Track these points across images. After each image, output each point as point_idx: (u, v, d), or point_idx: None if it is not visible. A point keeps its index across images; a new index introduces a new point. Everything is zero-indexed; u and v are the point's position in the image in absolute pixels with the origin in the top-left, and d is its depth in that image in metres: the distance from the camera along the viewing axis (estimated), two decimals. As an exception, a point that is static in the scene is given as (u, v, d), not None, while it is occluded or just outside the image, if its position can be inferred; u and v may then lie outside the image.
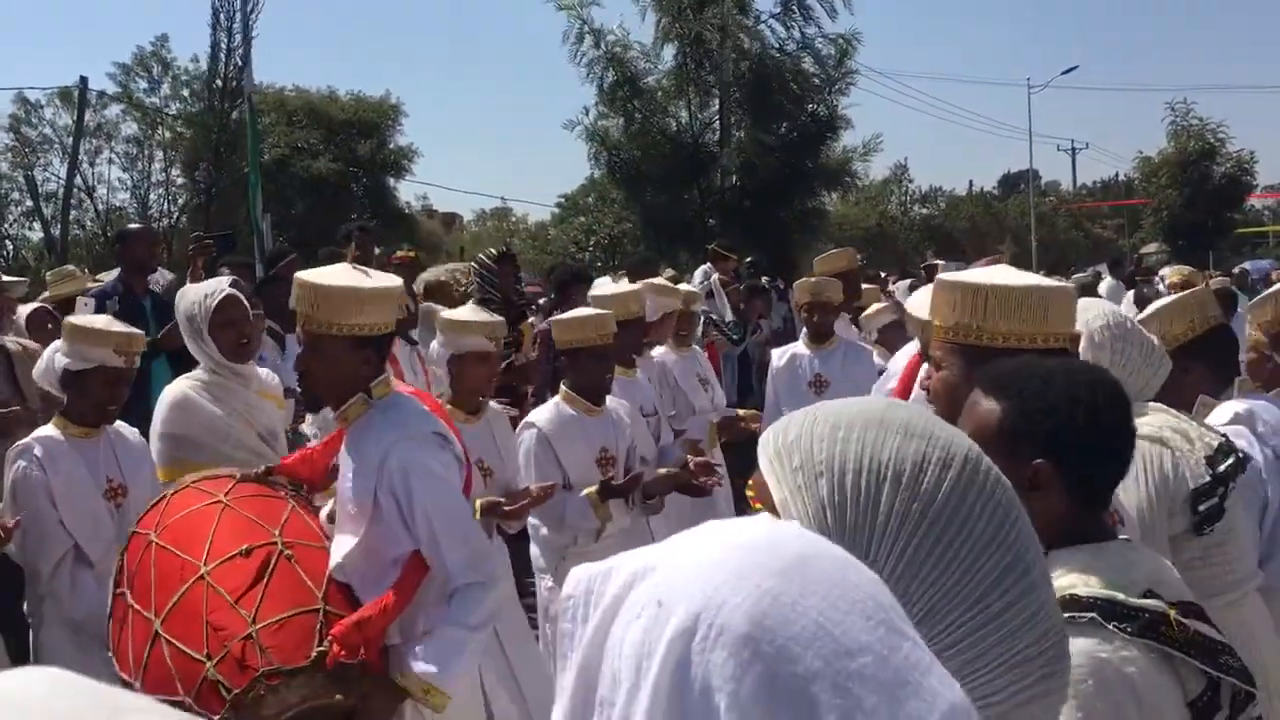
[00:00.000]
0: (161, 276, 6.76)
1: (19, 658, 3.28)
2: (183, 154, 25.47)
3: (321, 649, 2.55)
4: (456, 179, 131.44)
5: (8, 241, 29.08)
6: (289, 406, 4.63)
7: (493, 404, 4.39)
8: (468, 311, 4.45)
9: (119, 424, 3.72)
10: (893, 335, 6.41)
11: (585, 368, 4.35)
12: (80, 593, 3.39)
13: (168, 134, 27.48)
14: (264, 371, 4.14)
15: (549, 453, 4.23)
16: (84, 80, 23.74)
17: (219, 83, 21.24)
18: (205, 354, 3.83)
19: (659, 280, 6.15)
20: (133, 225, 7.01)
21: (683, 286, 6.90)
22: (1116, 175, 56.48)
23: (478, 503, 3.88)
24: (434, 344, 4.35)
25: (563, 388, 4.47)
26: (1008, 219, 46.53)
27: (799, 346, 6.05)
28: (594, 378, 4.36)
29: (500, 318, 4.42)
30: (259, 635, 2.53)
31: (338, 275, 2.86)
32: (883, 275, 11.72)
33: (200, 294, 3.87)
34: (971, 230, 44.88)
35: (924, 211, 46.86)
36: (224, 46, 20.91)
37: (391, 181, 29.76)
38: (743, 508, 4.42)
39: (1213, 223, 33.91)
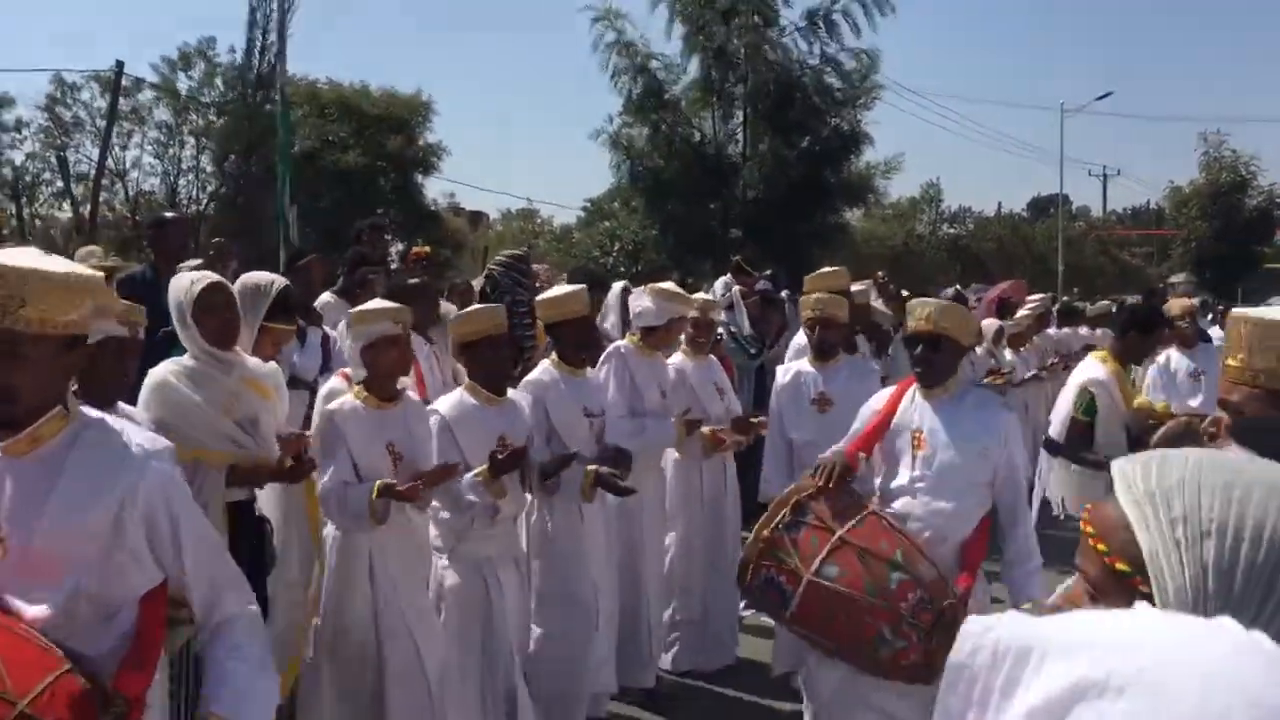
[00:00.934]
0: (190, 264, 6.81)
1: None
2: (213, 144, 25.66)
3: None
4: (484, 178, 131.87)
5: (38, 220, 29.34)
6: (303, 397, 4.66)
7: (410, 394, 4.55)
8: (373, 302, 4.64)
9: (127, 408, 3.75)
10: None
11: (483, 358, 4.59)
12: None
13: (200, 121, 27.68)
14: (253, 360, 4.21)
15: (449, 438, 4.45)
16: (120, 65, 23.95)
17: (253, 76, 21.45)
18: (190, 340, 3.98)
19: (666, 285, 6.16)
20: (168, 213, 7.06)
21: (700, 295, 6.90)
22: (1147, 203, 56.26)
23: (376, 484, 4.10)
24: (345, 342, 4.58)
25: (465, 378, 4.71)
26: (1035, 242, 46.31)
27: (803, 363, 6.02)
28: (491, 368, 4.62)
29: (404, 305, 4.57)
30: None
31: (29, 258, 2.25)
32: (903, 294, 11.69)
33: (187, 281, 4.02)
34: (999, 252, 44.68)
35: (952, 231, 46.70)
36: (259, 44, 21.13)
37: (419, 178, 29.86)
38: (751, 512, 4.51)
39: (1242, 256, 33.69)
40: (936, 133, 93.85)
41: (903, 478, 4.19)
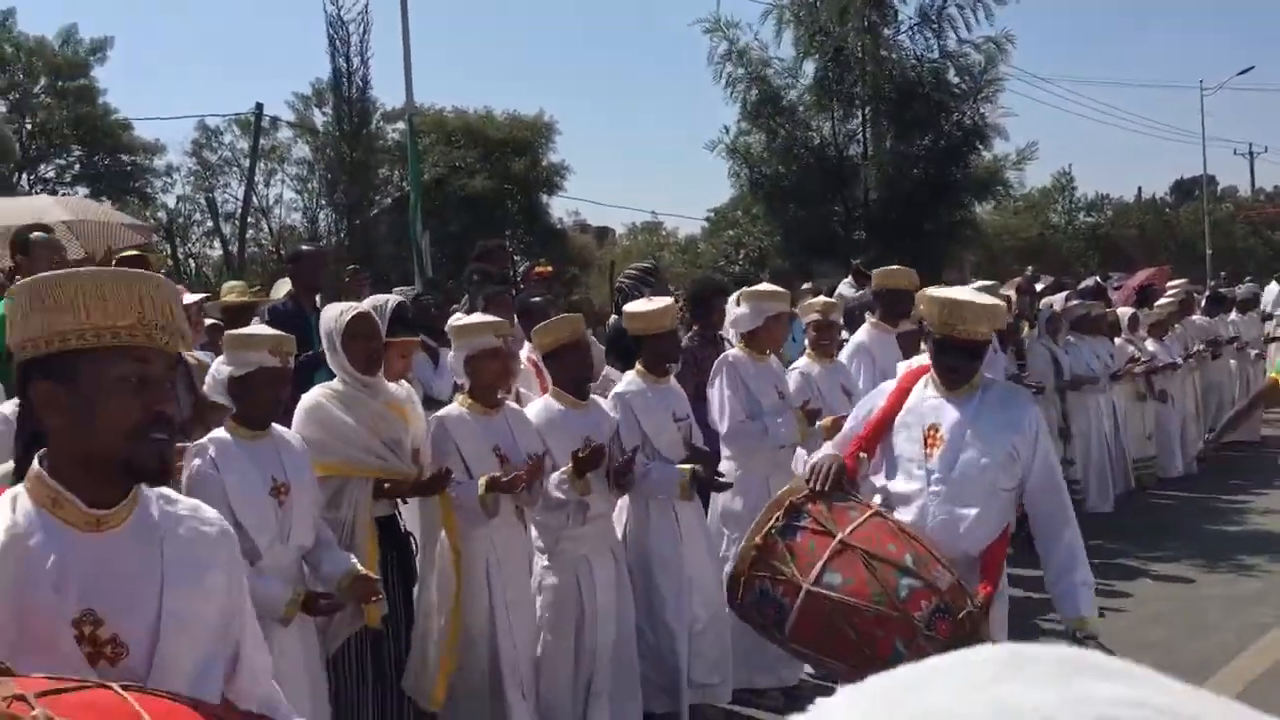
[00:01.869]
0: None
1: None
2: (320, 176, 26.60)
3: None
4: (608, 194, 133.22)
5: (191, 260, 30.98)
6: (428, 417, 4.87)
7: (511, 403, 4.88)
8: (474, 315, 5.13)
9: (281, 429, 4.00)
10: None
11: (565, 365, 4.88)
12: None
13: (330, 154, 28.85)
14: (393, 386, 4.48)
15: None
16: (259, 106, 25.14)
17: (345, 106, 22.24)
18: (339, 365, 4.29)
19: (760, 286, 6.22)
20: (305, 246, 7.43)
21: (821, 299, 6.91)
22: (1300, 179, 53.31)
23: (483, 479, 4.37)
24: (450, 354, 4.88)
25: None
26: (1180, 227, 44.52)
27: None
28: (574, 373, 4.91)
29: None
30: None
31: None
32: (1038, 288, 11.43)
33: (337, 311, 4.31)
34: (1141, 239, 43.10)
35: (1089, 220, 45.22)
36: (345, 71, 21.92)
37: (544, 198, 30.49)
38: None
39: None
40: (1070, 119, 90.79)
41: (914, 481, 3.74)
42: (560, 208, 44.86)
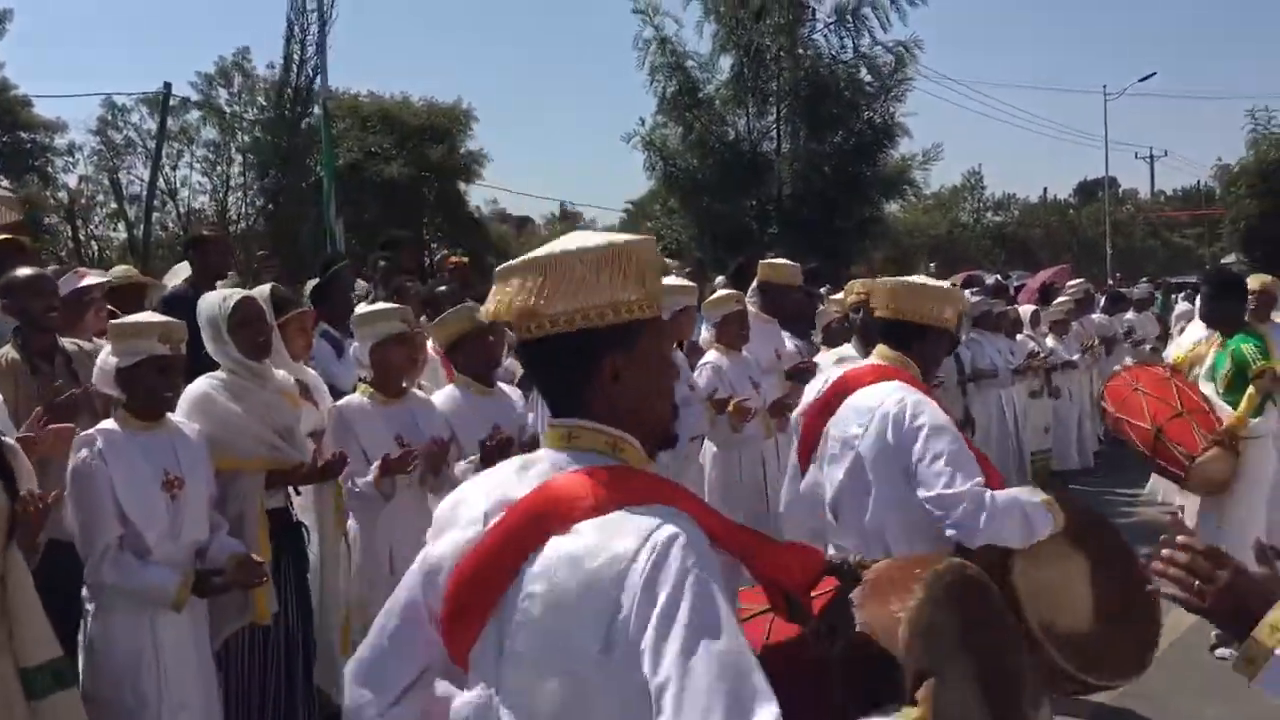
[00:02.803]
0: (231, 282, 6.93)
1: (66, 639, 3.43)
2: (254, 160, 26.04)
3: None
4: (528, 183, 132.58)
5: (93, 242, 30.05)
6: (324, 408, 4.80)
7: (417, 391, 4.85)
8: (377, 304, 5.10)
9: (177, 420, 3.91)
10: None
11: (469, 355, 4.90)
12: (128, 572, 3.57)
13: (245, 139, 28.19)
14: (280, 373, 4.40)
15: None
16: (168, 86, 24.43)
17: (290, 92, 21.80)
18: (225, 354, 4.17)
19: (666, 279, 6.26)
20: (206, 231, 7.15)
21: (726, 292, 6.96)
22: (1197, 184, 55.32)
23: (376, 463, 4.38)
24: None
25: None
26: (1083, 227, 45.80)
27: (847, 349, 6.12)
28: (478, 362, 4.94)
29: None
30: None
31: None
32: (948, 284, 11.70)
33: (220, 297, 4.22)
34: (1046, 238, 44.24)
35: (997, 219, 46.30)
36: (297, 58, 21.48)
37: (462, 186, 30.19)
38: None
39: (1294, 234, 32.93)
40: (979, 120, 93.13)
41: None
42: (478, 196, 44.55)
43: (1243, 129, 34.18)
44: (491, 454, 4.53)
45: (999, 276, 13.87)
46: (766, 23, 15.76)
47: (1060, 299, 11.84)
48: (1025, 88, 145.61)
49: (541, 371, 1.83)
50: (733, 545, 1.78)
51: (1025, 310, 11.08)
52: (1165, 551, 1.92)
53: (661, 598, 1.53)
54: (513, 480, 1.76)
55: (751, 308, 6.99)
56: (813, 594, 1.94)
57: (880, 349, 3.69)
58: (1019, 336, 10.45)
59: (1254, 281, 7.84)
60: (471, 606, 1.70)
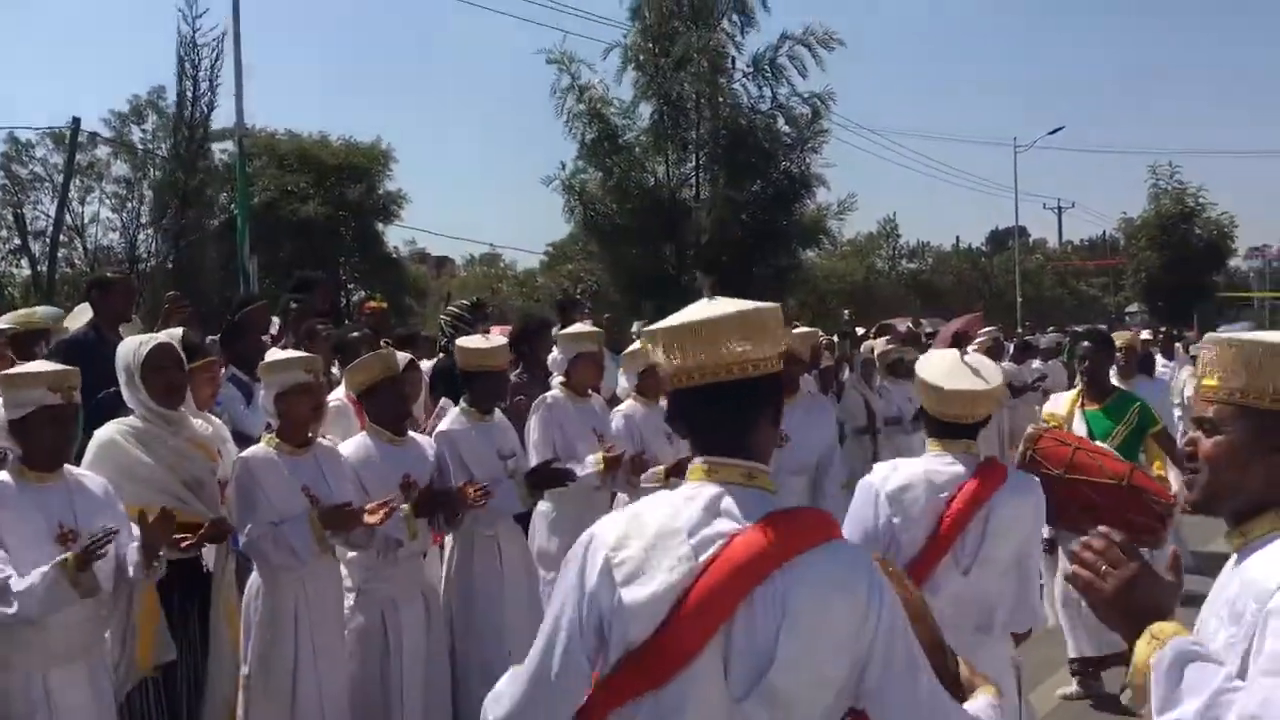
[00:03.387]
0: (134, 327, 6.69)
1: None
2: (152, 200, 25.44)
3: None
4: (448, 224, 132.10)
5: (-6, 278, 29.09)
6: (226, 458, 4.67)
7: (323, 440, 4.68)
8: (283, 352, 4.94)
9: (79, 472, 3.77)
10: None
11: (381, 402, 4.79)
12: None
13: (156, 174, 27.64)
14: (198, 421, 4.29)
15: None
16: (76, 121, 23.91)
17: (185, 129, 21.56)
18: (138, 401, 4.05)
19: (571, 329, 6.30)
20: (110, 274, 6.84)
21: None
22: (1103, 234, 57.17)
23: (313, 511, 4.28)
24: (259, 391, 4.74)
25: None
26: (994, 276, 46.94)
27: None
28: (391, 410, 4.82)
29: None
30: None
31: None
32: (859, 331, 11.88)
33: (135, 343, 4.11)
34: (958, 286, 45.24)
35: (911, 266, 47.24)
36: (190, 94, 21.27)
37: (380, 226, 29.95)
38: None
39: (1193, 285, 34.22)
40: (895, 170, 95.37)
41: None
42: (397, 236, 44.17)
43: (1145, 183, 35.57)
44: (426, 508, 4.61)
45: (910, 324, 14.10)
46: (687, 71, 15.98)
47: (971, 347, 12.08)
48: (939, 138, 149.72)
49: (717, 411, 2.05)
50: None
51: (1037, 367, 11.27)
52: (1084, 538, 2.01)
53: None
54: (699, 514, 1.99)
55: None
56: None
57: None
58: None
59: (1120, 339, 8.11)
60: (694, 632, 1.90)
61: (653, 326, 2.09)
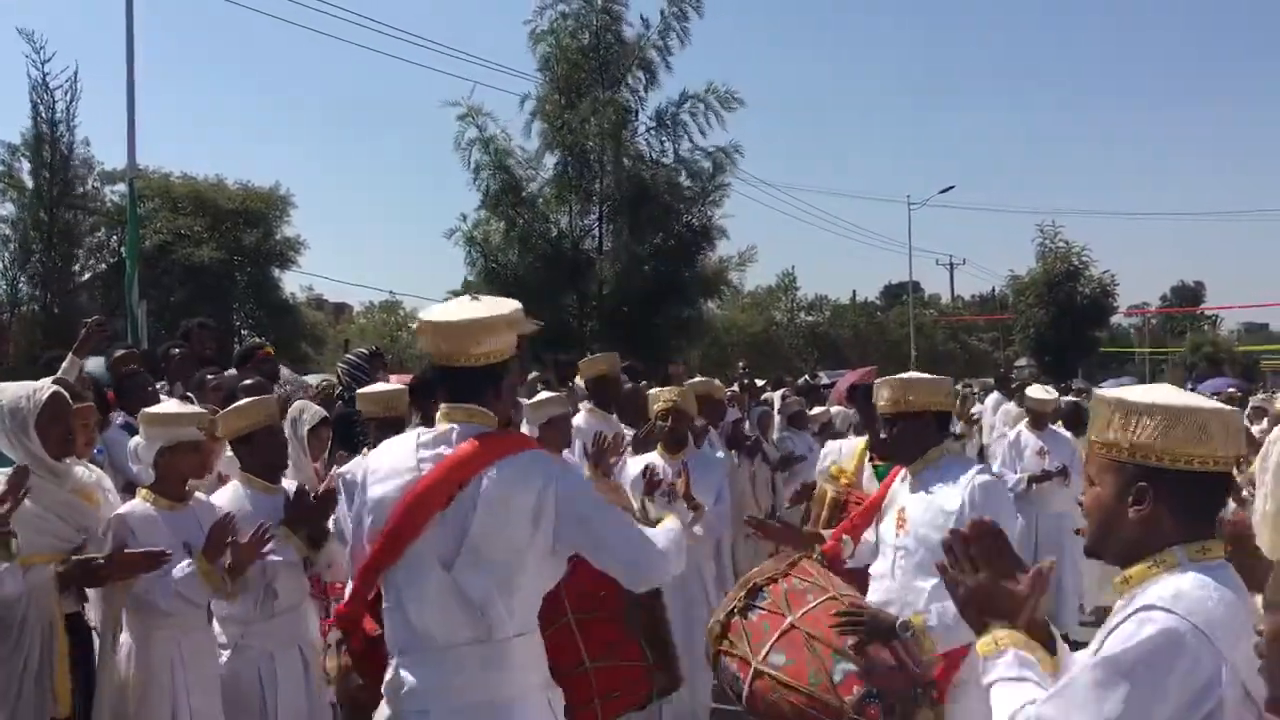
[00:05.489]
0: None
1: None
2: (13, 244, 24.55)
3: None
4: (347, 271, 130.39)
5: None
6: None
7: (199, 494, 4.50)
8: (171, 404, 4.87)
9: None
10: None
11: (259, 449, 4.62)
12: None
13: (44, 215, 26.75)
14: (79, 470, 4.13)
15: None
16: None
17: (46, 173, 21.12)
18: (28, 453, 3.83)
19: (535, 398, 6.24)
20: None
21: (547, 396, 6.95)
22: (993, 290, 58.98)
23: (200, 554, 4.06)
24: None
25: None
26: (889, 329, 48.03)
27: (654, 455, 6.10)
28: (268, 458, 4.66)
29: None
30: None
31: None
32: (758, 383, 12.04)
33: (27, 390, 3.91)
34: (855, 339, 46.17)
35: (810, 319, 48.07)
36: (47, 137, 20.92)
37: (276, 272, 29.41)
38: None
39: (1078, 341, 35.48)
40: (793, 224, 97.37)
41: (885, 561, 4.02)
42: (294, 283, 43.41)
43: (1033, 241, 36.86)
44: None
45: (808, 377, 14.34)
46: (592, 124, 16.13)
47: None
48: (837, 194, 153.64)
49: None
50: None
51: (836, 411, 11.47)
52: (960, 530, 2.18)
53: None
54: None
55: (585, 406, 6.98)
56: None
57: None
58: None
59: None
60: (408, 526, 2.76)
61: (423, 317, 3.00)
